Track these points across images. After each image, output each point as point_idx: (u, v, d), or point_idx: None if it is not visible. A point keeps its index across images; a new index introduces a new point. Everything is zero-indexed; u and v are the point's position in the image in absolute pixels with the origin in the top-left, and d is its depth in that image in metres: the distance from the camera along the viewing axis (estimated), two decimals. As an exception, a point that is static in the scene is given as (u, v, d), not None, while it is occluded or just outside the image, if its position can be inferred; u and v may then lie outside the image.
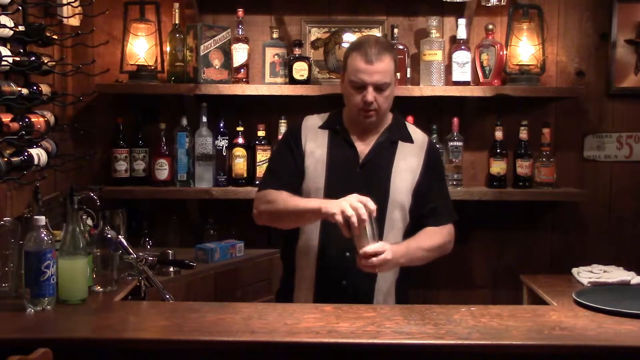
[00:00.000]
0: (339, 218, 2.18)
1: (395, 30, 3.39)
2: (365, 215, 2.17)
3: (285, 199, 2.37)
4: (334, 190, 2.35)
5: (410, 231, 2.46)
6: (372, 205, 2.21)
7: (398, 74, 2.76)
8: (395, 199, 2.42)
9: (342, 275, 2.41)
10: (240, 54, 3.37)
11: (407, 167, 2.47)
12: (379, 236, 2.29)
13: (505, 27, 3.45)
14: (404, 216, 2.45)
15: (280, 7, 3.51)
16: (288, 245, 2.52)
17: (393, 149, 2.48)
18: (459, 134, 3.41)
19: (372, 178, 2.40)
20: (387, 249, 2.24)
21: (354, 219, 2.16)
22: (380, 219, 2.32)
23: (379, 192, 2.38)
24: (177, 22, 3.38)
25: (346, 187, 2.30)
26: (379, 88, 2.37)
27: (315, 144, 2.47)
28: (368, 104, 2.37)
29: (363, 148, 2.47)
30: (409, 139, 2.51)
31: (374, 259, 2.21)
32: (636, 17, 3.50)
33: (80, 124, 3.18)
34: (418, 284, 3.53)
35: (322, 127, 2.51)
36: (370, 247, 2.21)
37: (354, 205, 2.17)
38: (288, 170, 2.46)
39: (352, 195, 2.23)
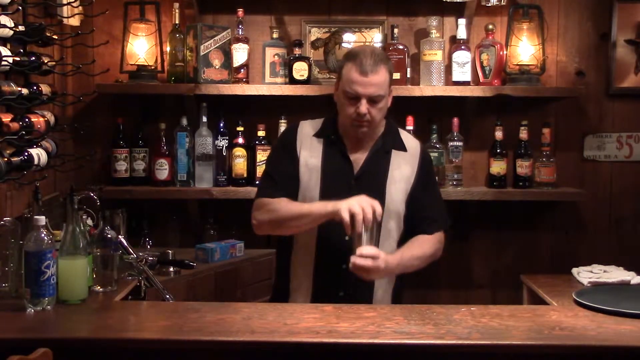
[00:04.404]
0: (345, 215, 2.18)
1: (395, 30, 3.39)
2: (370, 216, 2.18)
3: (287, 206, 2.36)
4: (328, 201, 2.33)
5: (404, 239, 2.46)
6: (379, 209, 2.22)
7: (393, 86, 2.72)
8: (390, 208, 2.40)
9: (339, 287, 2.40)
10: (240, 54, 3.37)
11: (401, 176, 2.46)
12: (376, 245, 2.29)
13: (505, 27, 3.45)
14: (399, 225, 2.45)
15: (280, 7, 3.51)
16: (283, 255, 2.51)
17: (387, 158, 2.46)
18: (459, 134, 3.41)
19: (367, 189, 2.36)
20: (381, 257, 2.24)
21: (360, 217, 2.17)
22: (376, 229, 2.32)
23: None
24: (177, 22, 3.38)
25: (341, 198, 2.27)
26: (373, 100, 2.34)
27: (309, 153, 2.45)
28: (361, 115, 2.34)
29: (357, 157, 2.45)
30: (402, 147, 2.50)
31: (369, 262, 2.21)
32: (636, 17, 3.50)
33: (80, 124, 3.17)
34: (418, 284, 3.53)
35: (316, 135, 2.48)
36: (367, 250, 2.22)
37: (361, 205, 2.19)
38: (286, 177, 2.44)
39: (361, 196, 2.24)
